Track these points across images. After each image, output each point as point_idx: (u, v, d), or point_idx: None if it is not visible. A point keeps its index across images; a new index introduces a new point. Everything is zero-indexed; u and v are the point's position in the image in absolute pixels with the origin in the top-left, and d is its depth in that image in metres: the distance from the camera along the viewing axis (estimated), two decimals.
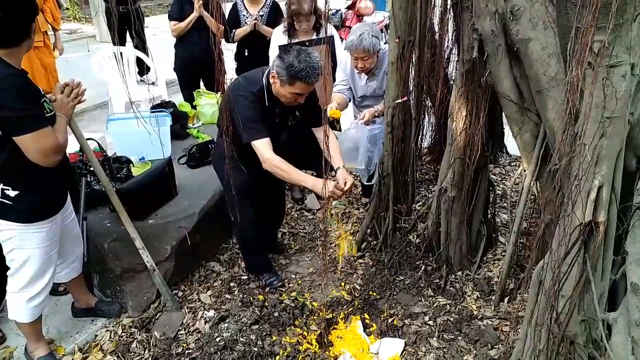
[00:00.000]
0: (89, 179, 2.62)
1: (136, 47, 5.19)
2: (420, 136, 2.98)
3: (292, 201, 3.69)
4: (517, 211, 2.44)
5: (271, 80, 2.25)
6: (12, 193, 1.88)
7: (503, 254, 2.84)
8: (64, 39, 7.32)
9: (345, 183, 2.30)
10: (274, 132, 2.34)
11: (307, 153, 2.64)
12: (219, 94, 3.95)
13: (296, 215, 3.55)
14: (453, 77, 2.84)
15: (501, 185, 3.82)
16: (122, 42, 4.79)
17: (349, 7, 7.95)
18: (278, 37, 3.39)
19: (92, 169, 2.51)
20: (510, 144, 3.96)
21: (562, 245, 1.61)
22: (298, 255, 3.10)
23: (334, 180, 2.34)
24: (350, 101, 3.25)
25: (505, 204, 3.40)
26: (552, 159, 1.77)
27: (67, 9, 10.73)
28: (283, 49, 2.20)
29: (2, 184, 1.88)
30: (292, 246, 3.20)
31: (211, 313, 2.54)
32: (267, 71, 2.30)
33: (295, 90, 2.20)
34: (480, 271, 2.81)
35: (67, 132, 1.97)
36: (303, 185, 2.51)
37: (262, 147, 2.25)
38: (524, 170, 2.39)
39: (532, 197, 2.66)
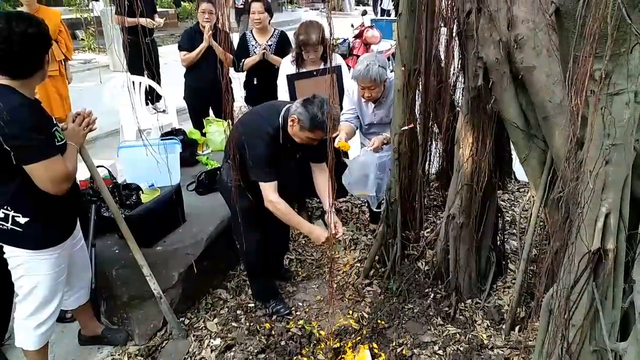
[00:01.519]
0: (98, 205, 2.65)
1: (149, 76, 5.31)
2: (427, 162, 2.99)
3: None
4: (526, 238, 2.42)
5: (289, 123, 2.32)
6: (22, 220, 1.91)
7: (513, 281, 2.80)
8: (79, 69, 7.54)
9: (335, 227, 2.37)
10: (281, 163, 2.41)
11: (301, 183, 2.71)
12: (227, 121, 4.02)
13: (303, 242, 3.54)
14: (459, 104, 2.87)
15: (510, 212, 3.79)
16: (138, 72, 4.90)
17: (356, 36, 8.10)
18: (286, 66, 3.45)
19: (102, 196, 2.54)
20: (519, 170, 3.96)
21: (571, 273, 1.59)
22: (305, 283, 3.08)
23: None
24: (357, 129, 3.29)
25: (514, 231, 3.37)
26: (557, 185, 1.77)
27: (82, 39, 11.05)
28: (307, 100, 2.30)
29: (12, 211, 1.90)
30: (300, 273, 3.18)
31: (217, 341, 2.52)
32: (283, 111, 2.37)
33: (314, 137, 2.31)
34: (490, 299, 2.77)
35: (77, 160, 2.00)
36: (299, 230, 2.69)
37: (269, 189, 2.36)
38: (532, 197, 2.38)
39: (541, 223, 2.64)
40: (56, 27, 4.32)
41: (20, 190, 1.86)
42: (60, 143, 1.92)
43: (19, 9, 4.71)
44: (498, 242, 2.92)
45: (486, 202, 2.66)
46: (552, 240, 2.06)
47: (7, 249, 1.97)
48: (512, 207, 3.90)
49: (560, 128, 1.94)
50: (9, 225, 1.91)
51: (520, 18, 2.02)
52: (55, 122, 1.97)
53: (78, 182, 2.31)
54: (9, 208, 1.90)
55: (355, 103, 3.18)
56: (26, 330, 2.10)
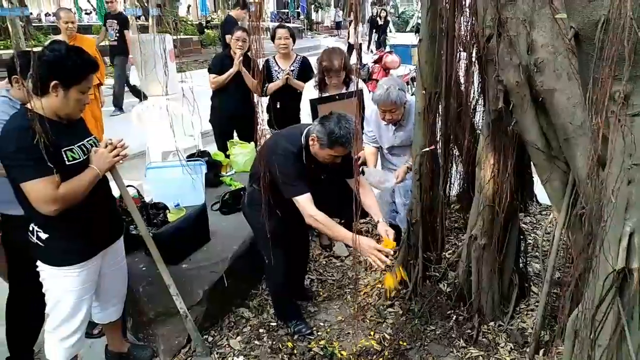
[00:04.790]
0: (127, 223, 2.73)
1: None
2: (448, 184, 3.01)
3: (321, 248, 3.72)
4: (549, 260, 2.41)
5: (310, 142, 2.37)
6: (43, 235, 1.97)
7: (536, 304, 2.77)
8: (108, 93, 7.83)
9: (387, 235, 2.35)
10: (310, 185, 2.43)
11: (337, 201, 2.71)
12: (252, 143, 4.13)
13: (324, 262, 3.57)
14: (479, 127, 2.90)
15: (532, 234, 3.76)
16: None
17: (376, 61, 8.26)
18: (309, 91, 3.55)
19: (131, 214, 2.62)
20: (540, 192, 3.94)
21: (596, 294, 1.59)
22: (327, 303, 3.10)
23: (370, 236, 2.38)
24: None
25: (537, 254, 3.35)
26: (579, 204, 1.78)
27: (110, 65, 11.47)
28: (324, 117, 2.34)
29: (36, 227, 1.97)
30: (321, 293, 3.20)
31: (240, 359, 2.55)
32: (305, 131, 2.43)
33: (334, 153, 2.33)
34: (514, 322, 2.75)
35: (88, 183, 1.95)
36: (344, 242, 2.58)
37: (305, 203, 2.34)
38: (555, 219, 2.38)
39: (564, 245, 2.63)
40: (92, 54, 4.52)
41: None
42: (72, 163, 1.92)
43: (59, 37, 4.93)
44: (520, 265, 2.91)
45: (508, 224, 2.67)
46: (576, 262, 2.06)
47: (38, 261, 2.05)
48: (534, 230, 3.87)
49: (582, 149, 1.96)
50: (34, 239, 1.99)
51: (540, 42, 2.07)
52: (74, 142, 1.97)
53: (119, 205, 2.37)
54: (34, 222, 1.98)
55: (374, 127, 3.25)
56: (53, 342, 2.15)
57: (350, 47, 9.06)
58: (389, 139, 3.22)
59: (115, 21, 7.80)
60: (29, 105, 1.84)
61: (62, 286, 2.05)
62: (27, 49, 5.07)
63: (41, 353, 2.44)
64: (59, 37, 4.86)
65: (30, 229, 2.00)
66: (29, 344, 2.50)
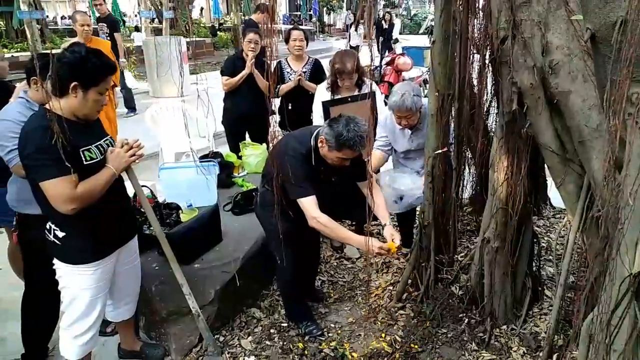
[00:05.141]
0: (140, 223, 2.76)
1: None
2: (460, 187, 3.00)
3: (332, 250, 3.72)
4: (563, 264, 2.38)
5: (319, 144, 2.37)
6: (60, 234, 2.00)
7: (550, 308, 2.75)
8: (120, 95, 7.92)
9: (393, 240, 2.35)
10: (318, 187, 2.43)
11: (348, 203, 2.71)
12: (264, 144, 4.15)
13: (335, 264, 3.57)
14: (493, 129, 2.89)
15: (545, 238, 3.73)
16: None
17: (388, 63, 8.24)
18: (321, 93, 3.56)
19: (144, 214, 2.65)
20: (554, 195, 3.90)
21: (612, 297, 1.57)
22: (337, 305, 3.10)
23: (381, 238, 2.37)
24: (389, 157, 3.39)
25: (550, 257, 3.31)
26: (594, 207, 1.76)
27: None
28: (333, 119, 2.35)
29: (53, 225, 2.01)
30: (332, 295, 3.20)
31: (252, 359, 2.56)
32: (314, 133, 2.43)
33: (343, 156, 2.34)
34: (526, 326, 2.72)
35: (104, 183, 1.98)
36: (348, 243, 2.58)
37: (309, 205, 2.34)
38: (569, 222, 2.36)
39: (579, 249, 2.60)
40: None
41: None
42: (89, 162, 1.95)
43: (75, 39, 5.00)
44: (534, 268, 2.88)
45: (521, 227, 2.65)
46: (591, 265, 2.03)
47: (54, 259, 2.08)
48: (548, 233, 3.83)
49: (598, 152, 1.94)
50: (51, 237, 2.02)
51: (555, 44, 2.05)
52: (91, 142, 2.00)
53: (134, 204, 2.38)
54: (51, 220, 2.01)
55: (388, 131, 3.25)
56: (68, 339, 2.17)
57: (396, 41, 9.08)
58: (405, 143, 3.22)
59: (105, 24, 7.59)
60: (47, 106, 1.87)
61: (77, 284, 2.07)
62: (44, 51, 5.17)
63: (56, 350, 2.47)
64: (75, 40, 4.93)
65: (47, 227, 2.03)
66: (43, 341, 2.54)
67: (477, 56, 2.61)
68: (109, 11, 7.98)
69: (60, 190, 1.84)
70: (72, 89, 1.87)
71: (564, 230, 3.50)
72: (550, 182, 3.34)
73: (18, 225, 2.44)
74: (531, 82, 2.13)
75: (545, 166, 2.44)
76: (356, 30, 13.25)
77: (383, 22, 13.82)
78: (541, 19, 2.08)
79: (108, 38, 7.35)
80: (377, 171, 3.49)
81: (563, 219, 3.97)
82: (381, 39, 13.66)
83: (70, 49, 1.91)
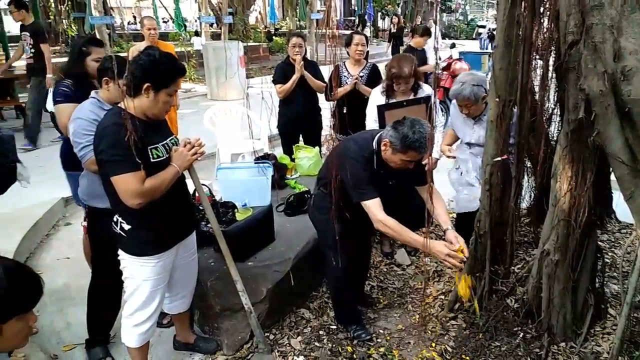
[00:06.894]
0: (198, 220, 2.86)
1: None
2: (519, 196, 2.90)
3: (382, 255, 3.70)
4: (631, 281, 2.25)
5: (382, 147, 2.36)
6: (126, 226, 2.10)
7: (613, 327, 2.60)
8: (181, 97, 8.25)
9: (457, 242, 2.29)
10: (377, 190, 2.41)
11: (403, 209, 2.69)
12: (316, 147, 4.19)
13: (385, 270, 3.54)
14: (555, 137, 2.78)
15: (610, 253, 3.53)
16: None
17: (444, 69, 8.10)
18: (376, 96, 3.55)
19: (202, 210, 2.75)
20: (620, 209, 3.70)
21: None
22: (387, 311, 3.07)
23: (445, 243, 2.30)
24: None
25: (615, 274, 3.14)
26: None
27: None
28: (397, 122, 2.33)
29: (120, 218, 2.12)
30: (381, 300, 3.18)
31: (301, 359, 2.58)
32: (376, 137, 2.42)
33: (408, 158, 2.31)
34: (587, 344, 2.59)
35: (169, 180, 2.06)
36: (415, 246, 2.55)
37: (374, 207, 2.33)
38: (637, 238, 2.23)
39: None
40: None
41: None
42: (156, 160, 2.03)
43: (142, 43, 5.27)
44: (597, 284, 2.74)
45: (584, 240, 2.52)
46: None
47: (119, 250, 2.19)
48: (612, 249, 3.63)
49: None
50: (118, 229, 2.13)
51: (628, 49, 1.95)
52: (158, 141, 2.09)
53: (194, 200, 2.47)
54: (118, 214, 2.12)
55: (454, 117, 3.26)
56: (129, 327, 2.28)
57: (453, 46, 9.02)
58: (468, 133, 3.19)
59: (28, 33, 6.06)
60: (121, 105, 1.98)
61: (140, 275, 2.17)
62: (113, 54, 5.46)
63: (117, 337, 2.61)
64: (142, 43, 5.19)
65: (115, 220, 2.15)
66: (106, 328, 2.68)
67: (539, 62, 2.53)
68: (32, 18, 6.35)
69: (129, 185, 1.94)
70: (144, 90, 1.98)
71: (631, 246, 3.31)
72: (616, 194, 3.17)
73: (87, 217, 2.59)
74: (601, 89, 2.04)
75: (612, 178, 2.32)
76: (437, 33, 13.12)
77: (392, 26, 13.44)
78: (614, 23, 1.98)
79: (32, 51, 6.07)
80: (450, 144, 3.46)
81: (630, 234, 3.75)
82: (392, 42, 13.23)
83: (145, 52, 2.02)
